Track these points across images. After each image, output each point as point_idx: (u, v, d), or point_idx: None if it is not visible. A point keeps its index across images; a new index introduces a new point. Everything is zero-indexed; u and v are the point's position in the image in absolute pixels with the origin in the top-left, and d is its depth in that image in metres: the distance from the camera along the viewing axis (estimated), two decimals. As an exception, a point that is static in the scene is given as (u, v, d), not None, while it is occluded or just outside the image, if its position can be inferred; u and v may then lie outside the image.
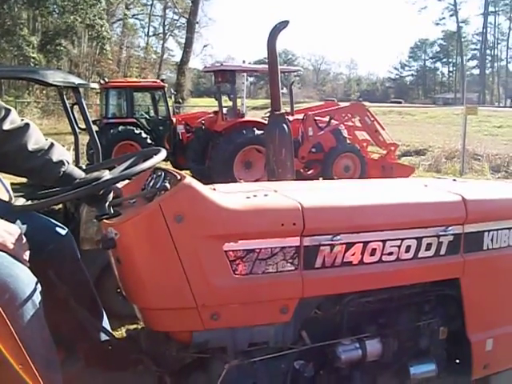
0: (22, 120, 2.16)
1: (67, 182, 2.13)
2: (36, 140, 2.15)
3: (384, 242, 2.18)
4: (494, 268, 2.49)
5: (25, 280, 1.73)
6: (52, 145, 2.19)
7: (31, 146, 2.12)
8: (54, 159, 2.16)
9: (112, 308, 2.62)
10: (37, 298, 1.74)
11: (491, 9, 76.52)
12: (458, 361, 2.59)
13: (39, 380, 1.54)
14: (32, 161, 2.13)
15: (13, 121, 2.10)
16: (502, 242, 2.48)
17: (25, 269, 1.77)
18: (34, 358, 1.54)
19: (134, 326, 3.71)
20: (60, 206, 7.44)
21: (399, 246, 2.22)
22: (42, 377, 1.55)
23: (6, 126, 2.08)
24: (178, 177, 2.00)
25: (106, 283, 3.60)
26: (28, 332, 1.65)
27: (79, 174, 2.21)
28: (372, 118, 13.03)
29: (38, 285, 1.79)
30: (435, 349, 2.46)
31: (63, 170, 2.17)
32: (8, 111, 2.11)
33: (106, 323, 2.41)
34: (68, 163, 2.20)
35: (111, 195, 2.08)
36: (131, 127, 13.43)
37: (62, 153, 2.21)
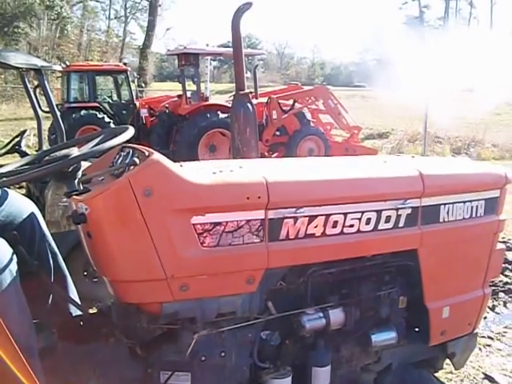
0: None
1: None
2: None
3: (345, 214, 2.26)
4: (449, 239, 2.60)
5: (2, 250, 1.77)
6: None
7: None
8: None
9: (79, 290, 2.65)
10: (13, 267, 1.78)
11: (453, -7, 77.28)
12: (417, 328, 2.70)
13: (15, 347, 1.58)
14: None
15: None
16: (457, 215, 2.59)
17: (1, 240, 1.80)
18: (10, 325, 1.57)
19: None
20: (24, 190, 7.39)
21: (360, 219, 2.30)
22: (17, 343, 1.59)
23: None
24: (146, 153, 2.03)
25: (72, 266, 3.61)
26: (5, 300, 1.68)
27: None
28: (335, 101, 13.18)
29: (14, 256, 1.83)
30: (395, 317, 2.57)
31: None
32: None
33: (76, 298, 2.46)
34: None
35: (80, 172, 2.12)
36: (94, 111, 13.27)
37: None
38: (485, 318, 4.73)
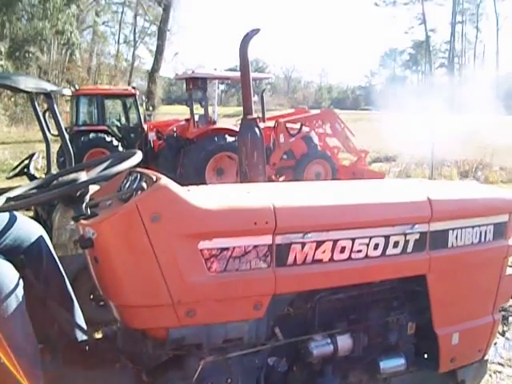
0: None
1: None
2: None
3: (353, 240, 2.25)
4: (458, 265, 2.57)
5: (9, 275, 1.77)
6: None
7: None
8: None
9: (85, 314, 2.64)
10: (20, 293, 1.78)
11: (459, 18, 77.68)
12: (426, 355, 2.67)
13: (21, 375, 1.57)
14: None
15: None
16: (466, 240, 2.56)
17: (8, 264, 1.80)
18: (16, 352, 1.57)
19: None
20: (32, 212, 7.41)
21: (368, 244, 2.29)
22: (23, 371, 1.58)
23: None
24: (154, 178, 2.04)
25: (78, 290, 3.60)
26: (11, 327, 1.68)
27: None
28: (342, 125, 13.18)
29: (21, 280, 1.82)
30: (404, 343, 2.54)
31: None
32: None
33: (83, 323, 2.44)
34: None
35: (88, 196, 2.12)
36: (102, 135, 13.37)
37: None
38: (495, 343, 4.66)
